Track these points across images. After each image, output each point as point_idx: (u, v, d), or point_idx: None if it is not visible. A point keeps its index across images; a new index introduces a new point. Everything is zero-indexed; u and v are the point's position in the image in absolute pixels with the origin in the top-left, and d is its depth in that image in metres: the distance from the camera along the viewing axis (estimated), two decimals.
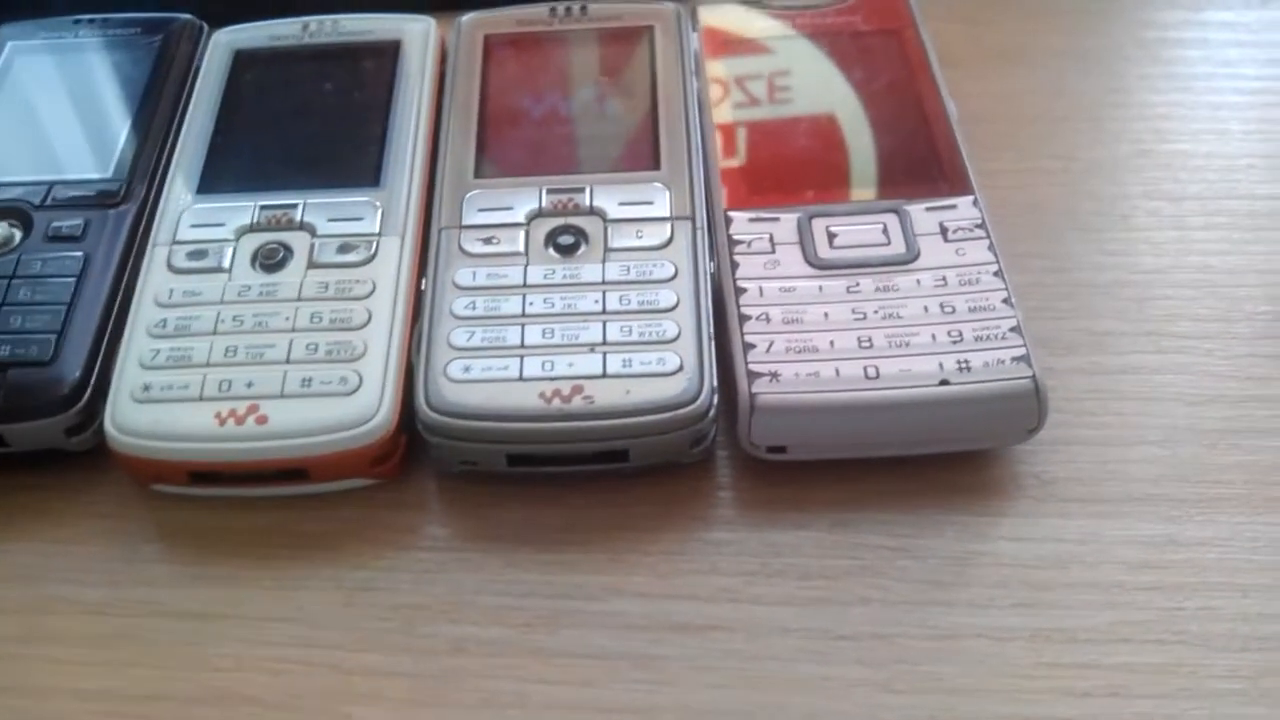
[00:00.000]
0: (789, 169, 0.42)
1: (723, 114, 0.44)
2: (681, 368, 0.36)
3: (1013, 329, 0.36)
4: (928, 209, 0.40)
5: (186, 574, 0.37)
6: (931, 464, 0.37)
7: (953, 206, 0.40)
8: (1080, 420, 0.38)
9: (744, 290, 0.38)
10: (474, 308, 0.37)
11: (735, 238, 0.39)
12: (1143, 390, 0.39)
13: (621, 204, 0.40)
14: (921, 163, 0.42)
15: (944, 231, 0.39)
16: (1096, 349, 0.40)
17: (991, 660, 0.33)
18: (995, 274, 0.38)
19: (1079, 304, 0.42)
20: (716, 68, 0.45)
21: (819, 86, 0.45)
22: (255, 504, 0.37)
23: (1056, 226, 0.44)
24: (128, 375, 0.37)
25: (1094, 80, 0.50)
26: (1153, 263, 0.43)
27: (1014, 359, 0.36)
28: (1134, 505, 0.37)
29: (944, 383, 0.35)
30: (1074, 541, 0.36)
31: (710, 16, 0.47)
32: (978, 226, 0.39)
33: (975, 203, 0.40)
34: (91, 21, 0.48)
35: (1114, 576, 0.35)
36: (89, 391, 0.37)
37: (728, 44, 0.46)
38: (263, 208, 0.41)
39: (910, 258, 0.38)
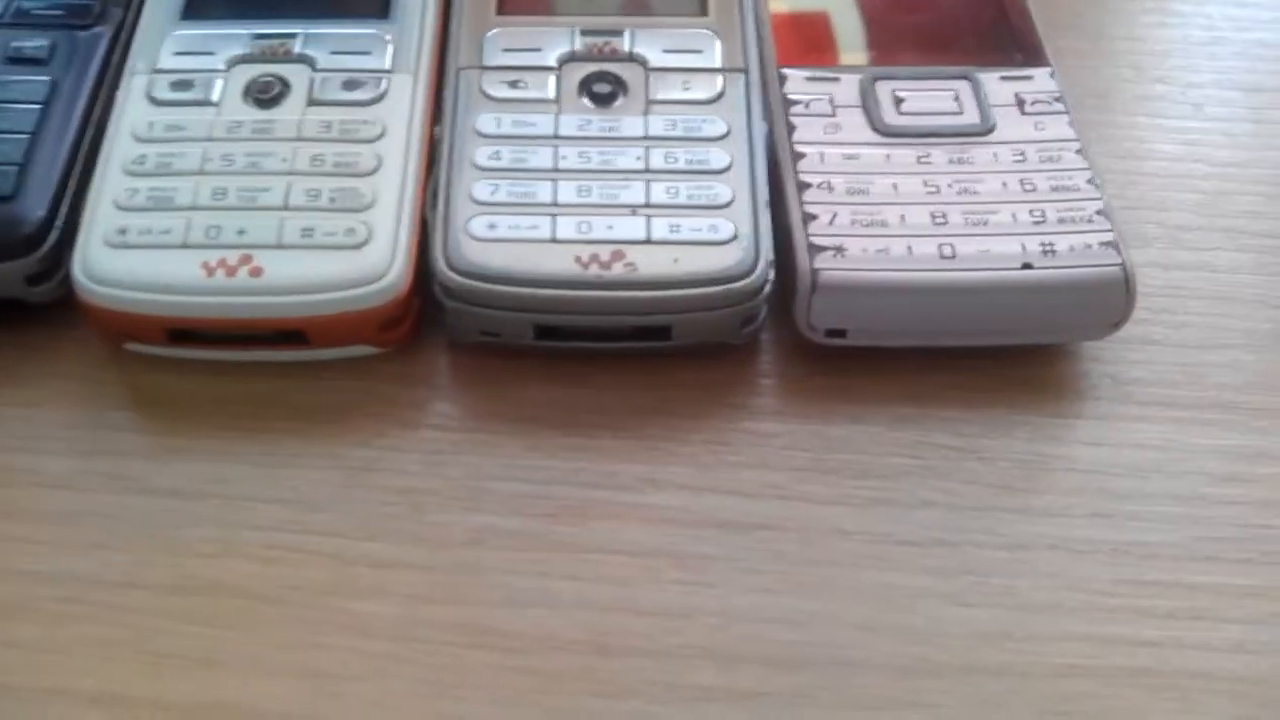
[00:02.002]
0: (849, 24, 0.38)
1: None
2: (735, 236, 0.32)
3: (1099, 212, 0.33)
4: (1002, 78, 0.36)
5: (163, 446, 0.33)
6: (998, 359, 0.34)
7: (1029, 77, 0.36)
8: (1157, 318, 0.35)
9: (802, 155, 0.34)
10: (499, 158, 0.33)
11: (791, 97, 0.35)
12: (1223, 290, 0.36)
13: (666, 51, 0.36)
14: (992, 30, 0.38)
15: (1020, 103, 0.35)
16: (1172, 243, 0.37)
17: (1067, 574, 0.30)
18: (1078, 152, 0.34)
19: (1150, 195, 0.38)
20: None
21: None
22: (243, 370, 0.33)
23: (1124, 111, 0.41)
24: (101, 217, 0.32)
25: None
26: (1229, 156, 0.40)
27: (1102, 244, 0.32)
28: (1217, 413, 0.34)
29: (1027, 266, 0.32)
30: (1155, 449, 0.33)
31: None
32: (1056, 100, 0.36)
33: (1053, 75, 0.36)
34: None
35: (1197, 489, 0.32)
36: (55, 234, 0.33)
37: None
38: (256, 36, 0.36)
39: (985, 129, 0.35)
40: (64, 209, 0.33)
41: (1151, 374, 0.34)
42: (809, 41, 0.37)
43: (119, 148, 0.34)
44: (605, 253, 0.31)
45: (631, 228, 0.32)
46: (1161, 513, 0.32)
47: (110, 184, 0.33)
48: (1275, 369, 0.34)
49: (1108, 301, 0.32)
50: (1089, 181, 0.33)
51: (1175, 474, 0.32)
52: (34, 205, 0.32)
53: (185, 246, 0.32)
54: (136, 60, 0.36)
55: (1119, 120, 0.40)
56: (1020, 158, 0.34)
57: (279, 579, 0.30)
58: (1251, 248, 0.37)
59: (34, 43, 0.36)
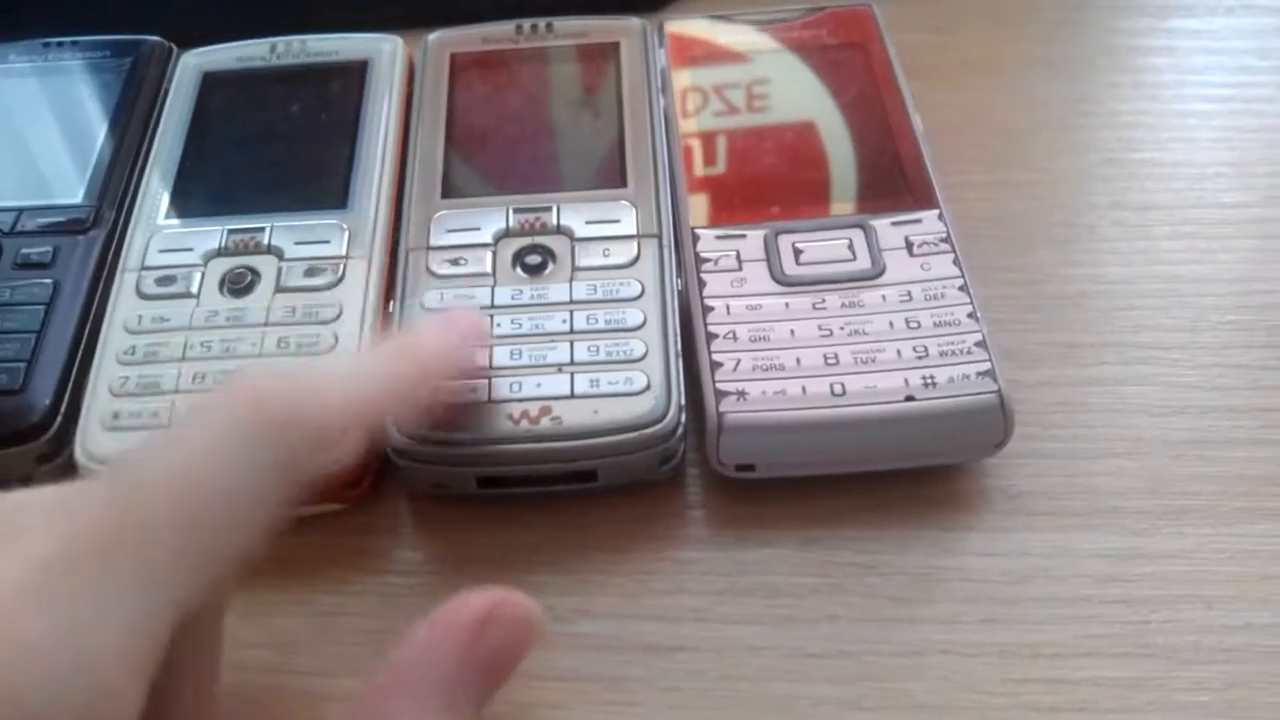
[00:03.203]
0: (755, 185, 0.42)
1: (689, 130, 0.44)
2: (649, 386, 0.36)
3: (978, 343, 0.36)
4: (893, 223, 0.40)
5: None
6: (899, 479, 0.37)
7: (918, 221, 0.40)
8: (1047, 433, 0.39)
9: (711, 308, 0.38)
10: None
11: (702, 255, 0.39)
12: (1109, 402, 0.39)
13: (588, 222, 0.40)
14: (887, 177, 0.42)
15: (909, 246, 0.39)
16: (1063, 361, 0.40)
17: (958, 676, 0.34)
18: (960, 288, 0.38)
19: (1046, 316, 0.42)
20: (683, 79, 0.46)
21: (785, 101, 0.45)
22: None
23: (1024, 238, 0.44)
24: (98, 403, 0.37)
25: (1062, 89, 0.50)
26: (1119, 273, 0.43)
27: (979, 374, 0.36)
28: (1101, 518, 0.37)
29: (909, 399, 0.35)
30: (1041, 555, 0.36)
31: (677, 29, 0.48)
32: (943, 240, 0.39)
33: (940, 216, 0.40)
34: (61, 44, 0.48)
35: (1080, 590, 0.35)
36: (59, 419, 0.37)
37: (694, 58, 0.46)
38: (230, 232, 0.41)
39: (876, 273, 0.38)
40: (67, 396, 0.37)
41: (1041, 486, 0.37)
42: (721, 201, 0.41)
43: (112, 339, 0.38)
44: (534, 409, 0.35)
45: (557, 384, 0.36)
46: (1046, 614, 0.35)
47: (105, 372, 0.38)
48: (1154, 474, 0.37)
49: (986, 425, 0.36)
50: (969, 316, 0.37)
51: (1059, 578, 0.35)
52: (40, 396, 0.37)
53: (169, 427, 0.36)
54: (127, 258, 0.40)
55: (1017, 247, 0.44)
56: (907, 298, 0.38)
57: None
58: (1136, 359, 0.40)
59: (39, 249, 0.41)
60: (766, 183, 0.42)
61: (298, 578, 0.37)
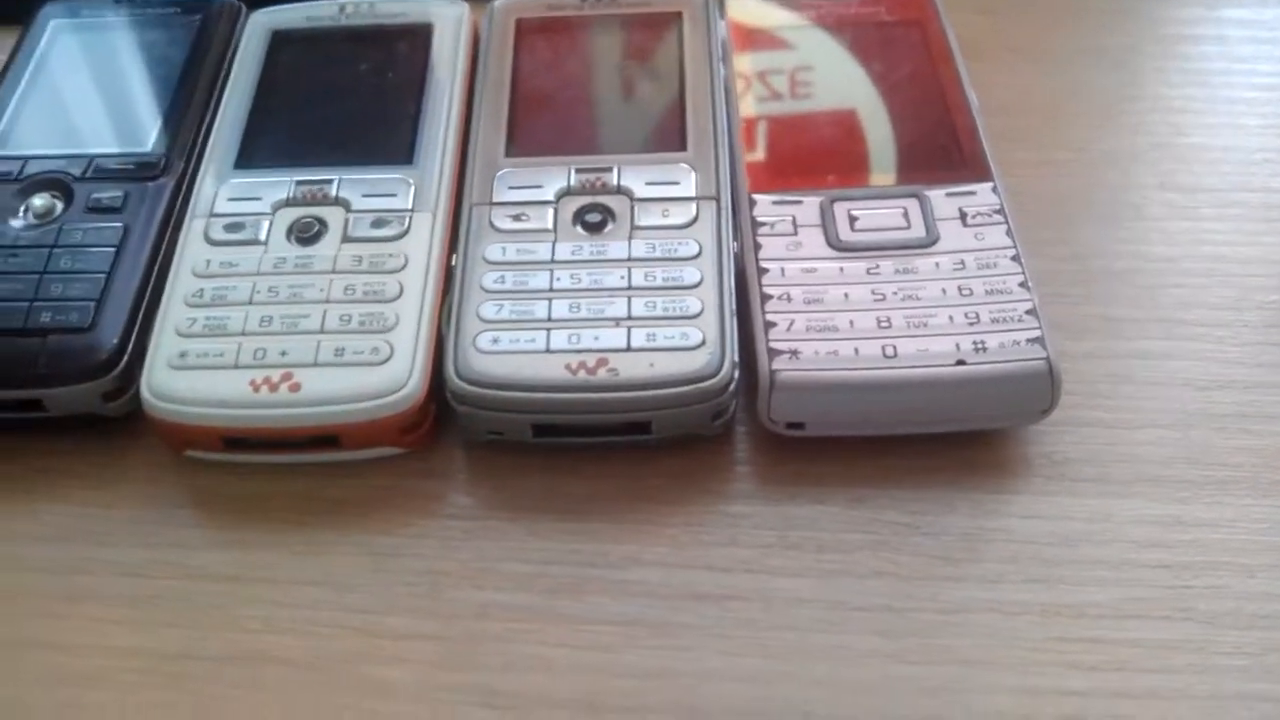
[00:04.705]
0: (812, 154, 0.43)
1: (748, 100, 0.44)
2: (704, 342, 0.37)
3: (1028, 311, 0.37)
4: (948, 194, 0.40)
5: (219, 538, 0.38)
6: (946, 443, 0.38)
7: (972, 192, 0.40)
8: (1092, 403, 0.39)
9: (766, 270, 0.39)
10: (503, 282, 0.38)
11: (759, 219, 0.40)
12: (1154, 375, 0.40)
13: (648, 184, 0.41)
14: (942, 150, 0.42)
15: (963, 216, 0.40)
16: (1110, 334, 0.41)
17: (1001, 634, 0.34)
18: (1013, 258, 0.39)
19: (1093, 290, 0.43)
20: (743, 59, 0.46)
21: (843, 74, 0.46)
22: (287, 470, 0.39)
23: (1073, 215, 0.45)
24: (164, 343, 0.38)
25: (1112, 75, 0.51)
26: (1165, 251, 0.44)
27: (1029, 340, 0.36)
28: (1144, 486, 0.37)
29: (960, 363, 0.36)
30: (1084, 520, 0.37)
31: (737, 7, 0.48)
32: (996, 212, 0.40)
33: (994, 189, 0.40)
34: (132, 0, 0.49)
35: (1123, 554, 0.36)
36: (126, 358, 0.38)
37: (753, 34, 0.47)
38: (298, 183, 0.42)
39: (930, 241, 0.39)
40: (134, 336, 0.38)
41: (1085, 453, 0.38)
42: (778, 168, 0.42)
43: (180, 282, 0.39)
44: (591, 360, 0.36)
45: (614, 337, 0.37)
46: (1089, 576, 0.35)
47: (173, 314, 0.39)
48: (1196, 445, 0.38)
49: (1034, 391, 0.36)
50: (1020, 285, 0.38)
51: (1102, 542, 0.36)
52: (109, 334, 0.38)
53: (236, 367, 0.37)
54: (196, 205, 0.41)
55: (1067, 223, 0.45)
56: (960, 265, 0.38)
57: (314, 650, 0.35)
58: (1181, 335, 0.41)
59: (110, 194, 0.42)
60: (823, 152, 0.43)
61: (357, 518, 0.38)
